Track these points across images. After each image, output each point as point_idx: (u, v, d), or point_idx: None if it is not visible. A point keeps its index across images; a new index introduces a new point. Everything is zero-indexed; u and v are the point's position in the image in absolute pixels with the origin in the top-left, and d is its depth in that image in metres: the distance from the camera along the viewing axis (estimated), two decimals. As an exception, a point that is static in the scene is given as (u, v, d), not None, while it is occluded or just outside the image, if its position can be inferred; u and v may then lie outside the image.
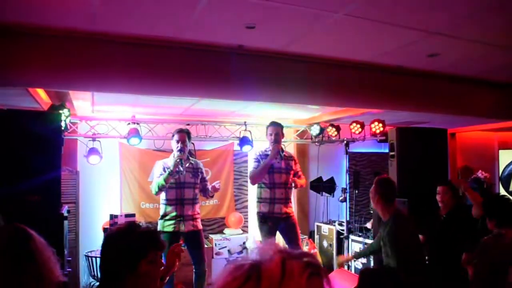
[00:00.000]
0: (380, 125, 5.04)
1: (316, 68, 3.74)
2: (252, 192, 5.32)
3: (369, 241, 4.98)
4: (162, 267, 1.90)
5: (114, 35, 3.00)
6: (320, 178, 5.81)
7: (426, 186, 3.98)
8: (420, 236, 3.50)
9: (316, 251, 5.87)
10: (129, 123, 4.80)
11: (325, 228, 6.03)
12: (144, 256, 1.69)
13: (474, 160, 6.41)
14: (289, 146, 6.12)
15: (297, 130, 6.17)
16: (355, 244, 5.43)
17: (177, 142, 3.97)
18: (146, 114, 5.33)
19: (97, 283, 4.52)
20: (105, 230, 4.68)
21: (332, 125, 5.52)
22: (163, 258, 1.99)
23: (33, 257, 1.56)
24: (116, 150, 5.41)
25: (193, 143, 4.59)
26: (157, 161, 4.23)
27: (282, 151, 4.30)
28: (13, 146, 3.09)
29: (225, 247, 5.64)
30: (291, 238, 4.27)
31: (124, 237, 1.72)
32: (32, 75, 3.00)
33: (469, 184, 4.25)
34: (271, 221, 4.21)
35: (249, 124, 5.44)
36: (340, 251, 5.66)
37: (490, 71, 4.11)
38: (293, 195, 4.92)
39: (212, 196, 4.43)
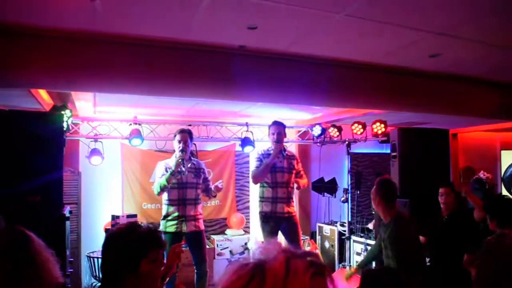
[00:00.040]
0: (382, 125, 5.04)
1: (317, 68, 3.74)
2: (254, 192, 5.33)
3: (371, 242, 4.98)
4: (163, 267, 1.90)
5: (116, 35, 3.00)
6: (322, 179, 5.81)
7: (428, 187, 3.98)
8: (421, 237, 3.50)
9: (317, 251, 5.86)
10: (131, 124, 4.81)
11: (326, 228, 6.03)
12: (145, 255, 1.69)
13: (476, 160, 6.40)
14: (291, 146, 6.10)
15: (299, 131, 6.17)
16: (356, 245, 5.42)
17: (179, 142, 3.97)
18: (148, 115, 5.34)
19: (99, 284, 4.52)
20: (106, 230, 4.69)
21: (334, 126, 5.52)
22: (165, 257, 1.99)
23: (32, 259, 1.56)
24: (118, 151, 5.42)
25: (195, 144, 4.59)
26: (159, 161, 4.24)
27: (284, 150, 4.31)
28: (15, 146, 3.09)
29: (227, 247, 5.64)
30: (293, 239, 4.27)
31: (125, 236, 1.72)
32: (32, 76, 2.98)
33: (471, 186, 4.26)
34: (273, 221, 4.21)
35: (250, 124, 5.45)
36: (341, 252, 5.66)
37: (492, 71, 4.11)
38: (295, 195, 4.91)
39: (215, 196, 4.43)
